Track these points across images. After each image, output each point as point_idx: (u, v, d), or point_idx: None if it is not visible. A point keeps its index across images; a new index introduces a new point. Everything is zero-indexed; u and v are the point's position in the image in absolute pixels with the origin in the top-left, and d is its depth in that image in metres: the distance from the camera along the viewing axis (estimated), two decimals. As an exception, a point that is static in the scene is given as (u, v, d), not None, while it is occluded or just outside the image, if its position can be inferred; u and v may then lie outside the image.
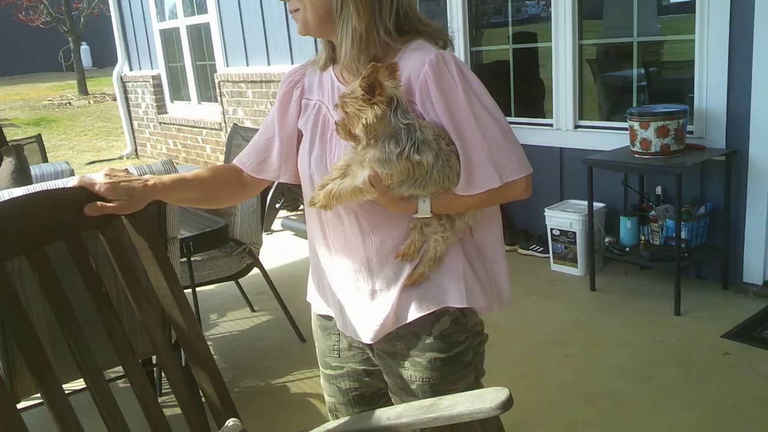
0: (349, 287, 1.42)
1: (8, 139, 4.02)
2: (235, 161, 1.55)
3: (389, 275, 1.37)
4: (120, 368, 1.37)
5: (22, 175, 3.11)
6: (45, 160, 4.68)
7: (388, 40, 1.31)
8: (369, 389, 1.55)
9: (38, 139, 4.72)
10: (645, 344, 3.00)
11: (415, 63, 1.28)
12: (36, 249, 1.25)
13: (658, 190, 3.66)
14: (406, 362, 1.39)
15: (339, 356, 1.53)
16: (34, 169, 3.81)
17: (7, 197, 2.01)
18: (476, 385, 1.44)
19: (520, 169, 1.32)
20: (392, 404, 1.51)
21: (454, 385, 1.38)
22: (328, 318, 1.53)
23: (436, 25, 1.37)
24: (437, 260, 1.34)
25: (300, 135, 1.47)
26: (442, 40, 1.36)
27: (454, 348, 1.37)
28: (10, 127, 11.25)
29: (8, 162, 3.20)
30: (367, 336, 1.41)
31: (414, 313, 1.35)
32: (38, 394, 1.95)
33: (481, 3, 4.74)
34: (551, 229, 3.87)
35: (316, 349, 1.60)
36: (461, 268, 1.36)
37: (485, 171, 1.27)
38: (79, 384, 1.34)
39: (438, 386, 1.37)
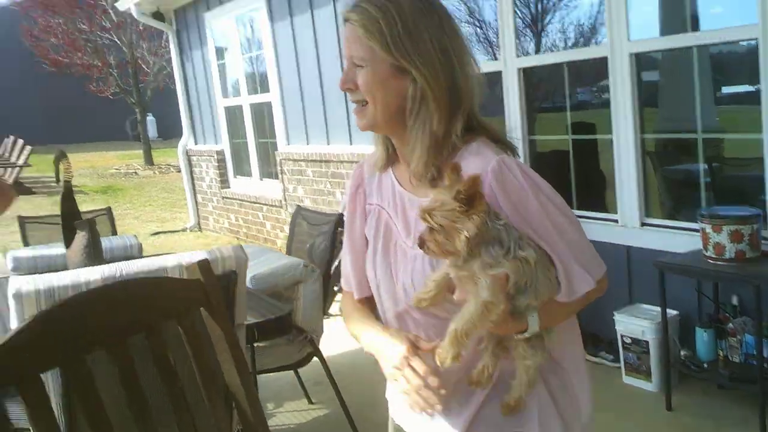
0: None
1: (79, 208, 4.13)
2: (356, 293, 1.47)
3: (459, 399, 1.30)
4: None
5: (94, 251, 3.16)
6: (114, 232, 4.80)
7: (455, 141, 1.26)
8: None
9: (108, 211, 4.86)
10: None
11: (475, 170, 1.19)
12: (118, 342, 1.23)
13: (735, 299, 3.44)
14: None
15: None
16: (104, 242, 3.89)
17: (83, 278, 2.04)
18: None
19: (601, 265, 1.28)
20: None
21: None
22: None
23: (493, 126, 1.33)
24: (531, 385, 1.26)
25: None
26: (503, 143, 1.31)
27: None
28: (79, 194, 11.69)
29: (81, 236, 3.26)
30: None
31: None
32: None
33: (537, 89, 4.72)
34: (622, 336, 3.65)
35: None
36: (536, 392, 1.29)
37: (579, 274, 1.22)
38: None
39: None
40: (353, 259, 1.45)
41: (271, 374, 3.44)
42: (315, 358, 3.19)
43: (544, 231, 1.20)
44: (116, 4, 9.45)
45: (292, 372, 3.48)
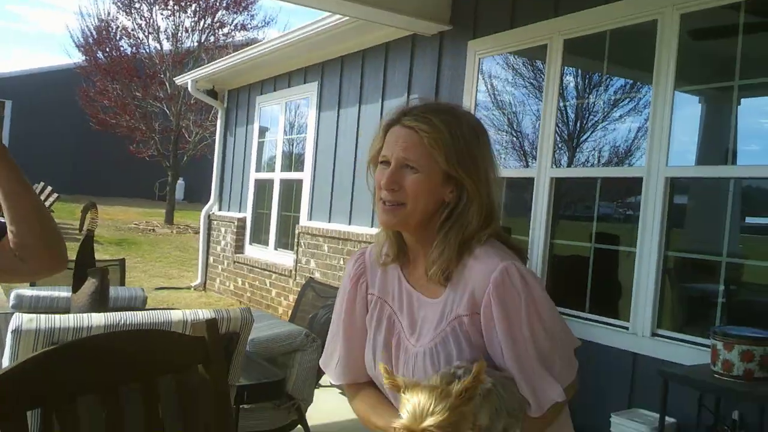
0: None
1: (95, 257, 4.19)
2: (357, 378, 1.48)
3: None
4: None
5: (101, 298, 3.20)
6: (123, 283, 4.85)
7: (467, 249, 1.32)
8: None
9: (121, 263, 4.93)
10: None
11: (480, 277, 1.27)
12: (111, 390, 1.24)
13: (735, 414, 3.40)
14: None
15: None
16: (111, 291, 3.93)
17: (87, 322, 2.06)
18: None
19: (572, 372, 1.31)
20: None
21: None
22: None
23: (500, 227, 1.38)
24: None
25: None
26: (510, 245, 1.35)
27: None
28: (94, 244, 11.82)
29: (91, 283, 3.31)
30: None
31: None
32: None
33: (565, 198, 4.84)
34: (617, 439, 3.61)
35: None
36: None
37: (547, 386, 1.25)
38: None
39: None
40: (350, 346, 1.46)
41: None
42: (299, 426, 3.15)
43: (522, 344, 1.25)
44: (174, 79, 9.89)
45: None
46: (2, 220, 1.36)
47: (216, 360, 1.42)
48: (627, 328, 4.00)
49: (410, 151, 1.29)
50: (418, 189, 1.29)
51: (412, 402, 1.15)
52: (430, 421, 1.11)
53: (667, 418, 3.36)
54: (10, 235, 1.33)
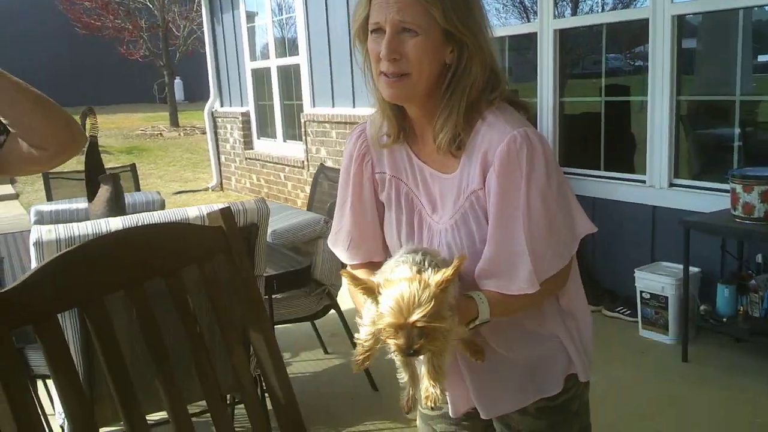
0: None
1: (103, 163, 4.18)
2: (363, 258, 1.46)
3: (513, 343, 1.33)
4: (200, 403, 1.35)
5: (117, 204, 3.20)
6: (138, 188, 4.85)
7: (482, 107, 1.25)
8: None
9: (132, 168, 4.91)
10: (743, 425, 2.78)
11: (491, 147, 1.20)
12: (136, 285, 1.24)
13: (759, 258, 3.44)
14: (513, 412, 1.37)
15: None
16: (127, 198, 3.93)
17: (104, 227, 2.06)
18: None
19: (558, 263, 1.24)
20: None
21: None
22: None
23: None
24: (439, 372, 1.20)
25: (380, 207, 1.42)
26: (519, 104, 1.29)
27: (561, 396, 1.36)
28: (104, 154, 11.81)
29: (104, 190, 3.30)
30: (473, 406, 1.38)
31: (533, 396, 1.36)
32: (115, 425, 1.96)
33: (571, 53, 4.68)
34: (641, 292, 3.68)
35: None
36: (567, 337, 1.36)
37: (523, 273, 1.20)
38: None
39: None
40: (363, 228, 1.43)
41: (289, 325, 3.51)
42: (332, 311, 3.23)
43: (510, 219, 1.19)
44: None
45: (309, 324, 3.54)
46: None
47: (237, 247, 1.41)
48: (644, 182, 3.98)
49: (406, 11, 1.16)
50: (421, 54, 1.18)
51: (393, 297, 1.11)
52: (418, 313, 1.09)
53: (691, 268, 3.41)
54: (17, 130, 1.36)
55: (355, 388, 3.22)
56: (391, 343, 1.13)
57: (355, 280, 1.16)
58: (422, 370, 1.19)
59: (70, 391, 1.09)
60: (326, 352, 3.65)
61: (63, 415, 2.18)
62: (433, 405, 1.17)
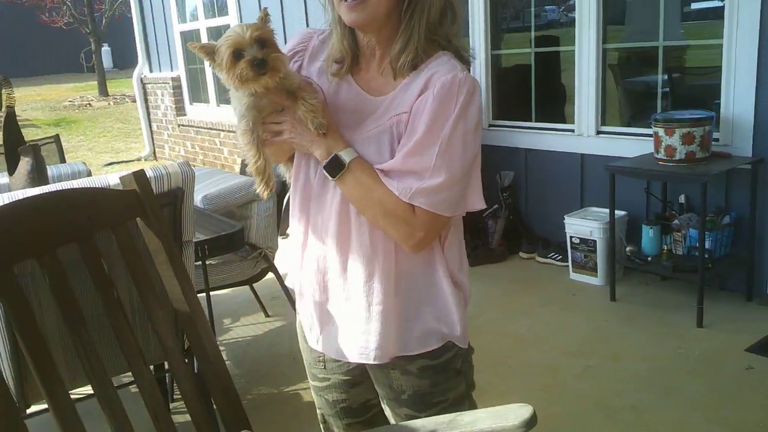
0: (336, 296, 1.37)
1: (28, 140, 4.02)
2: None
3: (388, 289, 1.31)
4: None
5: (39, 176, 3.09)
6: (63, 160, 4.68)
7: (438, 42, 1.27)
8: (357, 400, 1.50)
9: (56, 139, 4.72)
10: (667, 356, 2.93)
11: (438, 75, 1.23)
12: (47, 251, 1.22)
13: (682, 198, 3.59)
14: (395, 371, 1.36)
15: (324, 367, 1.48)
16: (51, 170, 3.80)
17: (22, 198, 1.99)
18: (468, 396, 1.42)
19: (450, 209, 1.25)
20: (384, 416, 1.47)
21: (445, 395, 1.36)
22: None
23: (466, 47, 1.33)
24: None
25: None
26: (466, 61, 1.31)
27: (444, 354, 1.36)
28: (31, 128, 11.34)
29: (25, 162, 3.18)
30: (358, 357, 1.36)
31: (417, 347, 1.34)
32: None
33: (503, 7, 4.69)
34: (571, 237, 3.80)
35: (303, 360, 1.55)
36: (449, 297, 1.34)
37: (426, 188, 1.21)
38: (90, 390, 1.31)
39: (430, 396, 1.36)
40: None
41: (228, 291, 3.50)
42: (270, 274, 3.23)
43: (429, 141, 1.21)
44: None
45: (248, 289, 3.53)
46: None
47: (153, 211, 1.39)
48: (573, 131, 4.07)
49: None
50: None
51: (228, 31, 1.22)
52: (253, 29, 1.19)
53: (617, 212, 3.54)
54: None
55: (296, 347, 3.18)
56: (241, 67, 1.19)
57: (198, 46, 1.25)
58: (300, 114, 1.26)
59: (38, 344, 1.07)
60: (267, 315, 3.66)
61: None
62: (321, 119, 1.24)
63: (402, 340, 1.34)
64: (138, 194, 1.38)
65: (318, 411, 1.57)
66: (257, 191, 1.33)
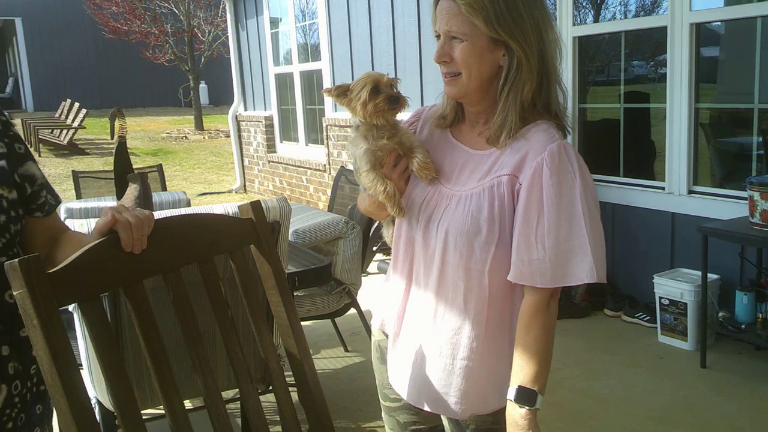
0: (424, 344, 1.43)
1: (132, 163, 4.28)
2: None
3: (476, 345, 1.37)
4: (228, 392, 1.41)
5: (145, 202, 3.29)
6: (164, 188, 4.96)
7: (535, 112, 1.34)
8: (427, 423, 1.53)
9: (159, 168, 5.02)
10: (760, 431, 2.78)
11: (538, 144, 1.30)
12: (173, 269, 1.31)
13: (778, 265, 3.44)
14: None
15: None
16: (155, 197, 4.04)
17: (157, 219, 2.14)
18: None
19: (603, 274, 1.28)
20: None
21: None
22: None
23: (566, 109, 1.39)
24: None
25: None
26: (563, 129, 1.38)
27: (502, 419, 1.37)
28: (131, 156, 11.98)
29: (133, 188, 3.40)
30: (447, 412, 1.41)
31: (495, 403, 1.38)
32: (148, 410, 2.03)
33: (591, 60, 4.71)
34: (660, 298, 3.69)
35: (376, 380, 1.61)
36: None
37: (581, 262, 1.26)
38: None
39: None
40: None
41: (310, 323, 3.58)
42: (352, 310, 3.30)
43: (575, 214, 1.26)
44: None
45: (330, 323, 3.60)
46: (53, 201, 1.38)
47: (266, 239, 1.48)
48: (663, 188, 4.00)
49: (451, 22, 1.31)
50: (465, 57, 1.32)
51: (365, 74, 1.41)
52: (389, 77, 1.40)
53: (709, 275, 3.42)
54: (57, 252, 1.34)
55: (374, 384, 3.26)
56: (380, 99, 1.37)
57: (331, 88, 1.42)
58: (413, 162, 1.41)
59: (116, 368, 1.16)
60: (346, 350, 3.72)
61: (93, 401, 2.26)
62: (434, 174, 1.40)
63: (482, 396, 1.39)
64: (254, 223, 1.48)
65: None
66: (392, 214, 1.44)
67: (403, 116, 1.51)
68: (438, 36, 1.36)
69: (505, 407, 1.32)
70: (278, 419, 1.48)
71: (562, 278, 1.27)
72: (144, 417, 2.07)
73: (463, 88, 1.35)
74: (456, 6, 1.29)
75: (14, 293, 1.03)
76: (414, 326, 1.46)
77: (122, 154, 3.69)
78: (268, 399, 2.43)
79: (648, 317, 3.90)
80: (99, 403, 2.30)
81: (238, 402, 2.45)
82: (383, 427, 2.86)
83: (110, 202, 4.15)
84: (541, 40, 1.31)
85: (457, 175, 1.39)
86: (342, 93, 1.41)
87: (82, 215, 4.05)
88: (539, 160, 1.28)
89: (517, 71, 1.30)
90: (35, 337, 1.03)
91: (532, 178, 1.28)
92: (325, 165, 7.21)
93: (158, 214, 2.17)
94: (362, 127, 1.42)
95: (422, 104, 5.64)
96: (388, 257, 5.50)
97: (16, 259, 1.02)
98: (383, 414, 1.62)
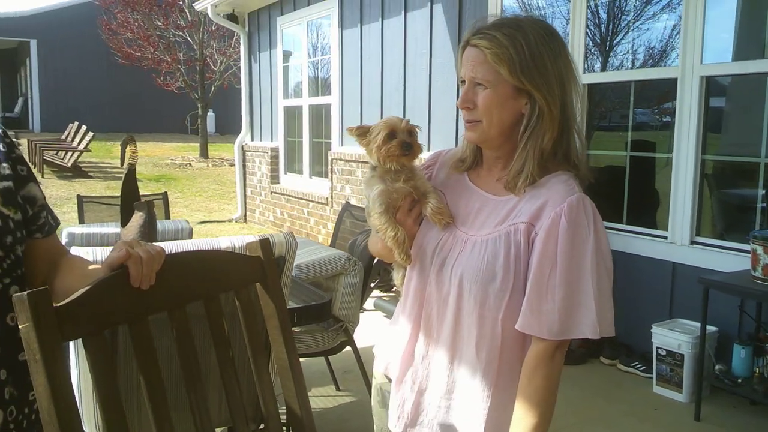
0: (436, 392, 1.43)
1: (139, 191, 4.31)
2: None
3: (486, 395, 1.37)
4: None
5: (150, 230, 3.31)
6: (168, 216, 4.99)
7: (554, 162, 1.36)
8: None
9: (164, 196, 5.05)
10: (756, 488, 2.75)
11: (558, 194, 1.31)
12: (179, 306, 1.32)
13: (778, 320, 3.44)
14: None
15: None
16: (158, 224, 4.06)
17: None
18: None
19: (611, 329, 1.31)
20: None
21: None
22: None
23: (585, 159, 1.41)
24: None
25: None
26: (583, 179, 1.39)
27: None
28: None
29: (138, 216, 3.42)
30: None
31: None
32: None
33: (599, 106, 4.77)
34: (657, 348, 3.68)
35: (374, 426, 1.61)
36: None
37: (586, 318, 1.28)
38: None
39: None
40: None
41: (303, 360, 3.54)
42: (347, 348, 3.28)
43: (583, 270, 1.28)
44: (194, 5, 9.71)
45: (323, 360, 3.58)
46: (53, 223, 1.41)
47: (272, 278, 1.49)
48: (666, 238, 4.01)
49: (477, 69, 1.34)
50: (488, 104, 1.34)
51: (384, 119, 1.45)
52: (405, 121, 1.43)
53: (708, 327, 3.41)
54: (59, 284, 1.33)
55: (366, 426, 3.23)
56: (393, 144, 1.41)
57: (354, 127, 1.46)
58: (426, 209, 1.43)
59: (112, 403, 1.16)
60: (338, 389, 3.69)
61: None
62: (448, 219, 1.41)
63: None
64: (262, 261, 1.49)
65: None
66: (398, 260, 1.46)
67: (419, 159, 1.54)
68: (463, 82, 1.39)
69: None
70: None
71: (567, 331, 1.28)
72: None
73: (484, 134, 1.38)
74: (482, 54, 1.32)
75: (20, 326, 1.04)
76: (422, 371, 1.46)
77: (131, 180, 3.72)
78: (261, 436, 2.41)
79: (644, 367, 3.88)
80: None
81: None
82: (375, 469, 2.84)
83: (114, 229, 4.17)
84: (563, 90, 1.34)
85: (473, 219, 1.41)
86: (362, 134, 1.46)
87: (83, 241, 4.06)
88: (558, 210, 1.29)
89: (538, 120, 1.32)
90: (36, 374, 1.03)
91: (549, 228, 1.29)
92: (327, 198, 7.24)
93: (164, 245, 2.20)
94: (379, 169, 1.45)
95: (429, 142, 5.70)
96: (385, 294, 5.49)
97: (26, 292, 1.03)
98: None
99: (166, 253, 1.30)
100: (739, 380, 3.38)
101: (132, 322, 1.23)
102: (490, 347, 1.34)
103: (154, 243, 2.31)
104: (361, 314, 3.62)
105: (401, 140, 1.41)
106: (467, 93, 1.37)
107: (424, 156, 1.58)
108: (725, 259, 3.62)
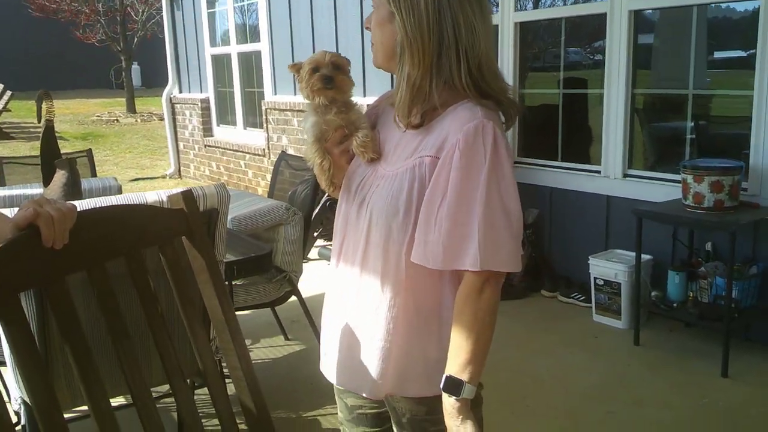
0: (348, 321, 1.42)
1: (59, 148, 4.10)
2: None
3: (395, 326, 1.34)
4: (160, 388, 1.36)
5: (73, 189, 3.15)
6: (94, 174, 4.77)
7: (451, 94, 1.28)
8: (372, 408, 1.50)
9: (89, 153, 4.82)
10: (690, 406, 2.89)
11: (459, 122, 1.25)
12: (98, 265, 1.24)
13: (708, 246, 3.57)
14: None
15: None
16: (84, 183, 3.87)
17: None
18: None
19: (502, 263, 1.23)
20: None
21: (441, 425, 1.30)
22: None
23: (507, 90, 1.32)
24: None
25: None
26: (505, 110, 1.32)
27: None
28: (60, 141, 11.47)
29: (60, 174, 3.24)
30: (351, 386, 1.43)
31: (415, 391, 1.36)
32: (73, 409, 1.94)
33: (532, 46, 4.76)
34: (595, 279, 3.79)
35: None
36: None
37: (470, 248, 1.21)
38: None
39: (428, 423, 1.36)
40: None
41: (249, 312, 3.51)
42: (293, 298, 3.24)
43: (472, 201, 1.22)
44: None
45: (269, 311, 3.54)
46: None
47: (198, 231, 1.42)
48: (599, 172, 4.08)
49: None
50: (373, 26, 1.34)
51: (312, 55, 1.43)
52: (331, 55, 1.41)
53: (643, 256, 3.52)
54: None
55: (315, 372, 3.21)
56: (314, 79, 1.39)
57: (292, 64, 1.45)
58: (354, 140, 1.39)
59: (33, 370, 1.09)
60: (287, 338, 3.67)
61: (19, 401, 2.15)
62: (372, 154, 1.37)
63: (400, 379, 1.36)
64: (186, 214, 1.41)
65: (338, 414, 1.59)
66: (323, 188, 1.47)
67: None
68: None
69: (433, 396, 1.30)
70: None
71: (451, 262, 1.23)
72: (77, 415, 1.98)
73: (376, 57, 1.37)
74: None
75: None
76: (340, 305, 1.44)
77: (49, 138, 3.52)
78: (205, 392, 2.37)
79: (583, 297, 4.00)
80: (25, 403, 2.18)
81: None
82: (325, 416, 2.85)
83: (37, 190, 3.96)
84: (439, 24, 1.23)
85: (392, 154, 1.36)
86: (297, 70, 1.44)
87: (5, 203, 3.85)
88: (454, 141, 1.24)
89: (403, 49, 1.26)
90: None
91: (443, 159, 1.24)
92: (264, 149, 7.07)
93: (87, 203, 2.08)
94: (312, 103, 1.44)
95: (364, 86, 5.57)
96: (329, 243, 5.45)
97: None
98: (335, 395, 1.58)
99: (84, 209, 1.21)
100: (675, 305, 3.51)
101: (47, 283, 1.14)
102: (394, 281, 1.31)
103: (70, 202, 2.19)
104: (305, 264, 3.58)
105: (322, 74, 1.40)
106: (370, 15, 1.36)
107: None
108: (657, 189, 3.72)
